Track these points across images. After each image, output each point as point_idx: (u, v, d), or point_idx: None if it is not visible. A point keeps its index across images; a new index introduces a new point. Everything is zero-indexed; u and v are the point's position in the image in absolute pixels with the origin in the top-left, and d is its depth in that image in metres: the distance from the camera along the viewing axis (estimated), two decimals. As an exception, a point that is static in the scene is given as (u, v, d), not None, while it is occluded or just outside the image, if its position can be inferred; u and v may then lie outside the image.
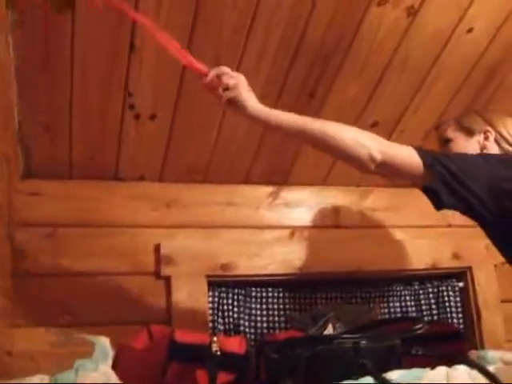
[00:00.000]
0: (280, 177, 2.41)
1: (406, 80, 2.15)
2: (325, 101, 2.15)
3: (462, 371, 1.37)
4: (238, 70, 1.91)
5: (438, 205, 1.62)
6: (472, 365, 1.39)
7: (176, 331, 1.64)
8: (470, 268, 2.56)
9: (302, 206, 2.44)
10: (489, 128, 1.89)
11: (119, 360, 1.70)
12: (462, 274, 2.58)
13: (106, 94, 1.94)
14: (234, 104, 1.59)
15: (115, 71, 1.88)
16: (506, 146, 1.86)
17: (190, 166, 2.26)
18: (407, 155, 1.61)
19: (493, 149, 1.86)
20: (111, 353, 1.56)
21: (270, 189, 2.42)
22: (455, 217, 2.50)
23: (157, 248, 2.18)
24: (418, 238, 2.53)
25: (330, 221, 2.46)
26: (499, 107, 2.24)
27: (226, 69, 1.59)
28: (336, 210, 2.47)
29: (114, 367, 1.68)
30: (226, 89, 1.58)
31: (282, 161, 2.34)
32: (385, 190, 2.56)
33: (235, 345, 1.64)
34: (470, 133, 1.91)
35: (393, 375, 1.35)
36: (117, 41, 1.79)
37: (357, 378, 1.33)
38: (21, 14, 1.66)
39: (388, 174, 1.73)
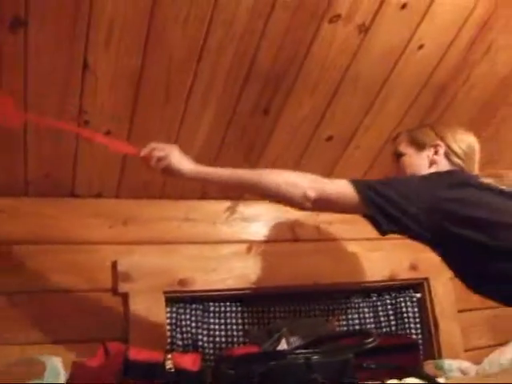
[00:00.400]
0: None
1: (358, 96, 2.18)
2: (279, 118, 2.17)
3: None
4: (190, 89, 1.97)
5: (381, 231, 1.68)
6: (422, 377, 1.41)
7: (130, 349, 1.65)
8: (427, 279, 2.60)
9: (259, 220, 2.45)
10: (439, 142, 1.90)
11: (74, 378, 1.70)
12: (420, 285, 2.62)
13: (60, 110, 1.92)
14: (170, 172, 1.76)
15: (69, 88, 1.87)
16: (456, 160, 1.87)
17: (147, 182, 2.25)
18: (342, 189, 1.68)
19: (442, 163, 1.87)
20: (63, 372, 1.56)
21: (227, 204, 2.42)
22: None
23: (114, 265, 2.16)
24: (375, 251, 2.55)
25: (287, 235, 2.47)
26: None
27: (155, 144, 1.77)
28: (293, 224, 2.48)
29: (69, 386, 1.68)
30: (160, 160, 1.75)
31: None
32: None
33: (189, 362, 1.64)
34: (420, 147, 1.92)
35: (344, 390, 1.37)
36: (70, 58, 1.78)
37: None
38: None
39: (325, 209, 1.80)
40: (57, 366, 1.53)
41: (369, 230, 2.52)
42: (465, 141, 1.91)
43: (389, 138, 2.32)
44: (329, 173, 2.45)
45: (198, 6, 1.75)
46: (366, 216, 1.69)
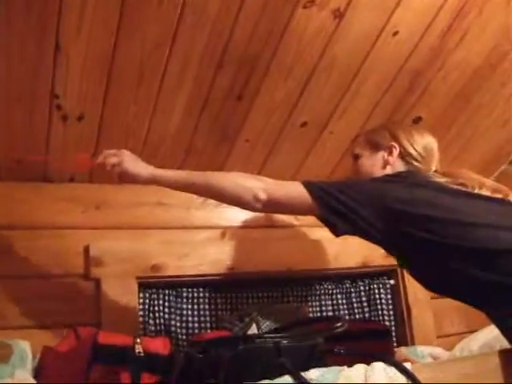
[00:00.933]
0: (211, 177, 2.40)
1: (333, 82, 2.17)
2: (253, 103, 2.16)
3: (379, 369, 1.40)
4: (164, 73, 1.96)
5: (335, 233, 1.70)
6: (389, 362, 1.42)
7: (100, 333, 1.64)
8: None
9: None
10: (394, 143, 1.91)
11: (44, 363, 1.69)
12: (393, 271, 2.64)
13: (32, 95, 1.90)
14: (126, 177, 1.79)
15: (41, 72, 1.85)
16: (412, 161, 1.89)
17: (120, 166, 2.23)
18: (294, 191, 1.69)
19: (396, 164, 1.89)
20: (30, 356, 1.55)
21: (201, 189, 2.40)
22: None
23: (86, 249, 2.15)
24: (349, 237, 2.55)
25: (262, 220, 2.47)
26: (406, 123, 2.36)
27: (107, 152, 1.81)
28: (267, 210, 2.48)
29: (39, 370, 1.67)
30: (114, 166, 1.78)
31: (213, 160, 2.34)
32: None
33: (159, 346, 1.64)
34: (375, 148, 1.94)
35: (312, 374, 1.37)
36: (42, 41, 1.76)
37: (275, 378, 1.35)
38: None
39: (277, 211, 1.87)
40: (24, 349, 1.52)
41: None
42: (420, 143, 1.91)
43: (364, 124, 2.33)
44: (303, 158, 2.46)
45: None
46: (319, 218, 1.70)
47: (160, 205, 2.33)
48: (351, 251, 2.53)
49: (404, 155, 1.89)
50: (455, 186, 1.73)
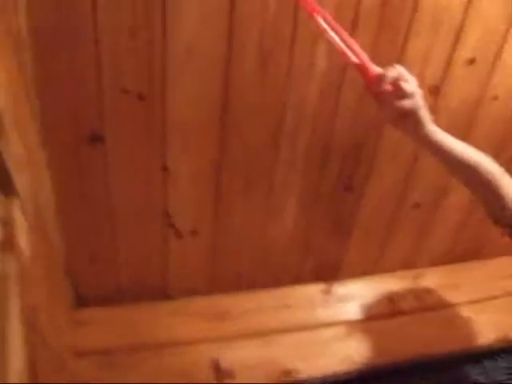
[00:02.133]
0: (330, 272, 2.39)
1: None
2: (363, 191, 2.15)
3: None
4: (271, 176, 1.98)
5: None
6: None
7: None
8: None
9: (355, 298, 2.40)
10: None
11: None
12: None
13: (145, 217, 1.96)
14: (407, 118, 1.32)
15: (151, 193, 1.90)
16: None
17: (238, 274, 2.24)
18: None
19: None
20: None
21: (321, 286, 2.39)
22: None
23: (215, 362, 2.12)
24: (482, 313, 2.44)
25: (386, 309, 2.39)
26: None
27: (402, 69, 1.27)
28: (391, 297, 2.41)
29: None
30: (404, 97, 1.27)
31: (330, 256, 2.33)
32: (439, 268, 2.55)
33: None
34: None
35: None
36: (150, 165, 1.82)
37: None
38: (52, 152, 1.69)
39: None
40: None
41: (473, 292, 2.47)
42: None
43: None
44: (418, 241, 2.43)
45: (268, 95, 1.76)
46: None
47: (283, 307, 2.30)
48: (486, 327, 2.39)
49: None
50: None
